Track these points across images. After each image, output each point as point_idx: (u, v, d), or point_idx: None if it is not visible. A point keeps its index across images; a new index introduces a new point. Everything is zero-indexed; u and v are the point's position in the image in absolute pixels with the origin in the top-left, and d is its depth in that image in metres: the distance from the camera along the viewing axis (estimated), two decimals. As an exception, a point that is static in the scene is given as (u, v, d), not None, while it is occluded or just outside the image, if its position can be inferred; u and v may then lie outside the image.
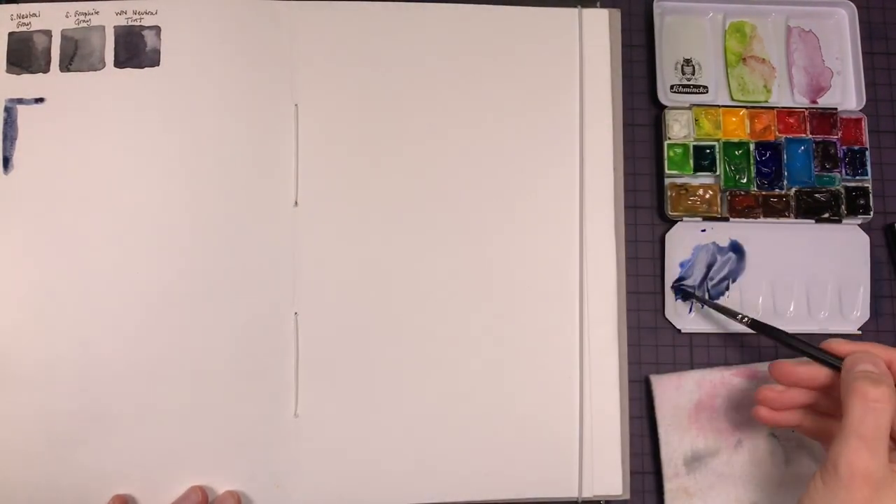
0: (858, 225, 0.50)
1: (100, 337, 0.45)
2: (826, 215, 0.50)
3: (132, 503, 0.44)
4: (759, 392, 0.43)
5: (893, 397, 0.37)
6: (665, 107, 0.51)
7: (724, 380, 0.48)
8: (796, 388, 0.42)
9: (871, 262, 0.50)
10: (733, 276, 0.50)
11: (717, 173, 0.50)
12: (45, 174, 0.46)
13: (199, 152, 0.46)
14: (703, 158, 0.50)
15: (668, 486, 0.47)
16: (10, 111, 0.46)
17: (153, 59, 0.47)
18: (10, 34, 0.47)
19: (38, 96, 0.46)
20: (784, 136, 0.50)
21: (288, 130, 0.47)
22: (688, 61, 0.51)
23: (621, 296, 0.47)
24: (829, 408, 0.42)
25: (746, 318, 0.45)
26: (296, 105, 0.47)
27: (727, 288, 0.50)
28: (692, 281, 0.49)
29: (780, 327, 0.49)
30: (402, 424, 0.45)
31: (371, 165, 0.47)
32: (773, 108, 0.51)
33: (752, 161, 0.50)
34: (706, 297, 0.49)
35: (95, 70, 0.47)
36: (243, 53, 0.47)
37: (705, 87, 0.51)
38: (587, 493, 0.45)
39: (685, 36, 0.52)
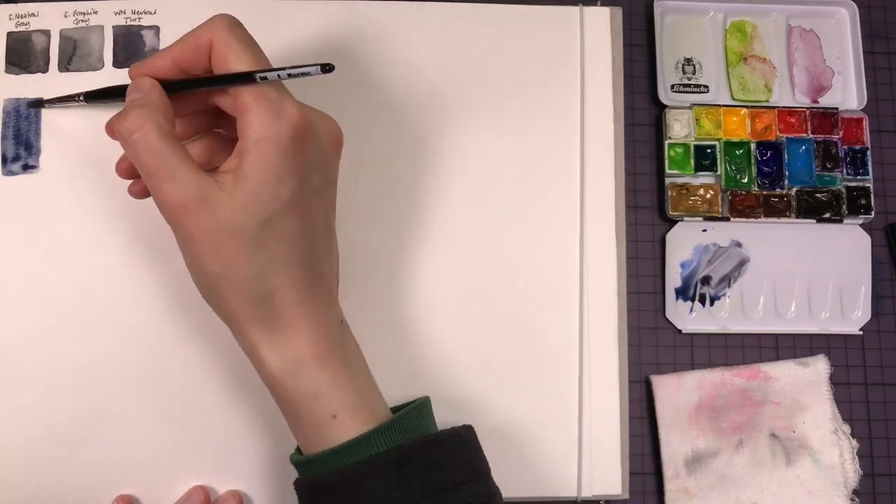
0: (859, 225, 0.50)
1: (101, 337, 0.44)
2: (827, 215, 0.50)
3: (135, 503, 0.44)
4: None
5: (148, 114, 0.34)
6: (666, 106, 0.50)
7: (724, 380, 0.48)
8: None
9: (872, 262, 0.50)
10: (734, 276, 0.50)
11: (718, 173, 0.50)
12: (45, 175, 0.45)
13: (199, 152, 0.46)
14: (703, 158, 0.50)
15: (669, 486, 0.47)
16: (7, 113, 0.46)
17: (152, 59, 0.46)
18: (9, 34, 0.46)
19: (37, 96, 0.46)
20: (785, 135, 0.50)
21: (288, 130, 0.47)
22: (688, 61, 0.51)
23: (621, 296, 0.47)
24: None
25: None
26: (295, 105, 0.47)
27: (728, 287, 0.49)
28: (693, 281, 0.49)
29: (781, 328, 0.49)
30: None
31: (371, 165, 0.47)
32: (773, 107, 0.51)
33: (752, 161, 0.50)
34: (706, 297, 0.49)
35: (94, 70, 0.46)
36: (243, 53, 0.47)
37: (706, 86, 0.51)
38: (586, 493, 0.45)
39: (686, 35, 0.52)
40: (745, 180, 0.50)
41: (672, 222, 0.50)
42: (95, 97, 0.43)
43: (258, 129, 0.34)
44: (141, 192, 0.39)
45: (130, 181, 0.40)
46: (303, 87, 0.41)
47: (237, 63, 0.34)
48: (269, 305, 0.35)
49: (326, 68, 0.33)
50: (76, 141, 0.46)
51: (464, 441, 0.38)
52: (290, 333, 0.36)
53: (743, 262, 0.50)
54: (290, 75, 0.34)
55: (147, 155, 0.34)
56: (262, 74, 0.34)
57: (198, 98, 0.38)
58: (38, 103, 0.45)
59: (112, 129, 0.35)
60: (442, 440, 0.37)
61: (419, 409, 0.39)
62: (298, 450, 0.39)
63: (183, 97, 0.37)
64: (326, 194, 0.38)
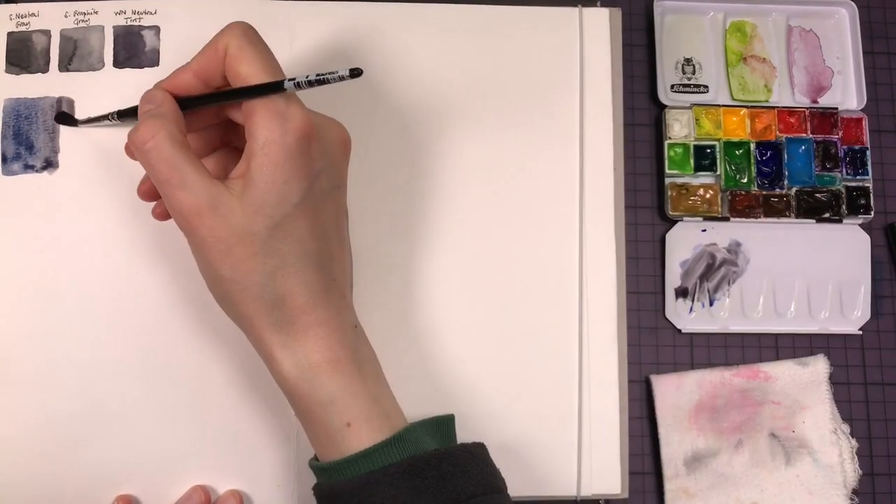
0: (859, 225, 0.50)
1: (101, 337, 0.44)
2: (826, 215, 0.50)
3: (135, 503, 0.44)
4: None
5: (161, 124, 0.35)
6: (665, 106, 0.50)
7: (724, 380, 0.48)
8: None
9: (872, 262, 0.50)
10: (733, 276, 0.50)
11: (718, 173, 0.50)
12: (45, 174, 0.46)
13: (199, 152, 0.46)
14: (703, 158, 0.50)
15: (669, 486, 0.47)
16: (8, 113, 0.46)
17: (152, 59, 0.46)
18: (9, 34, 0.46)
19: (37, 96, 0.46)
20: (784, 135, 0.50)
21: (288, 130, 0.47)
22: (688, 61, 0.51)
23: (621, 296, 0.47)
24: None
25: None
26: (295, 105, 0.47)
27: (728, 287, 0.50)
28: (692, 280, 0.49)
29: (781, 328, 0.49)
30: (403, 424, 0.45)
31: (371, 166, 0.47)
32: (773, 107, 0.51)
33: (752, 161, 0.50)
34: (706, 297, 0.49)
35: (94, 70, 0.46)
36: (243, 53, 0.47)
37: (706, 86, 0.51)
38: (586, 493, 0.45)
39: (685, 35, 0.52)
40: (745, 180, 0.50)
41: (672, 222, 0.50)
42: (128, 115, 0.42)
43: (264, 133, 0.34)
44: (164, 214, 0.39)
45: (153, 203, 0.40)
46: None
47: (248, 67, 0.35)
48: (281, 310, 0.36)
49: (355, 73, 0.33)
50: (78, 141, 0.46)
51: (474, 457, 0.38)
52: (303, 338, 0.36)
53: (741, 262, 0.50)
54: (318, 81, 0.34)
55: (160, 163, 0.34)
56: (297, 81, 0.34)
57: (210, 112, 0.38)
58: (68, 119, 0.45)
59: (130, 140, 0.35)
60: (453, 454, 0.37)
61: (437, 422, 0.39)
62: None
63: (196, 112, 0.38)
64: (335, 197, 0.38)
